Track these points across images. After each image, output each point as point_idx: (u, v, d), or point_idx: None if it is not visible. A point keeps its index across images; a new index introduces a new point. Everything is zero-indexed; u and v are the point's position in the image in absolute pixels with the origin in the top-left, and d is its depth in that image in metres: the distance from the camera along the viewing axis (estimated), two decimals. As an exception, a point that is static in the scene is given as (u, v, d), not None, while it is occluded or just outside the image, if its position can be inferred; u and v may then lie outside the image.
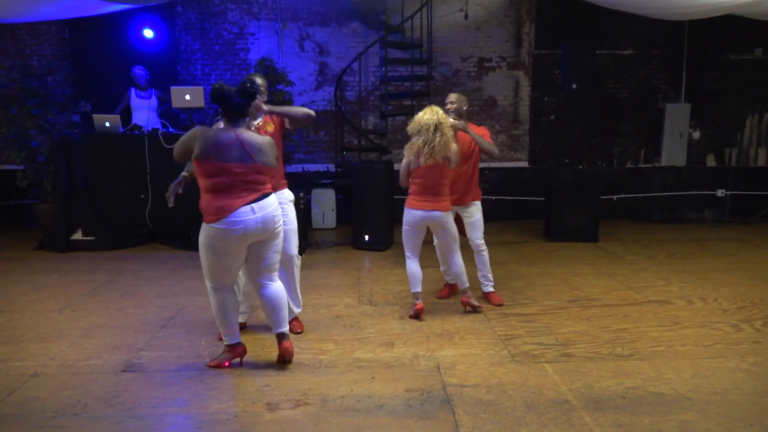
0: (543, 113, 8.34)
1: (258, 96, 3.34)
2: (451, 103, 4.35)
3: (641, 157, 8.46)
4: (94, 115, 6.43)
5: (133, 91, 7.10)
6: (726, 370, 3.28)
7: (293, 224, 3.76)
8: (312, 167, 8.19)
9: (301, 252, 6.11)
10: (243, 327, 3.89)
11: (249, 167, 3.08)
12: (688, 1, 5.48)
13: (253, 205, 3.09)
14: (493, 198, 8.36)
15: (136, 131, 6.58)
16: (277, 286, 3.34)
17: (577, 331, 3.90)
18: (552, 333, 3.88)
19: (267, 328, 3.96)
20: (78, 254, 6.26)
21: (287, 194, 3.78)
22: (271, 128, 3.70)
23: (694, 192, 8.39)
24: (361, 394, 3.01)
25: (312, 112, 3.74)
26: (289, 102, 7.03)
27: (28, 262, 5.94)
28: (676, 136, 8.18)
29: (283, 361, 3.37)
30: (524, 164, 8.40)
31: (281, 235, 3.33)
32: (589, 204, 6.86)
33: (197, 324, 4.03)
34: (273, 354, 3.52)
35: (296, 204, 6.05)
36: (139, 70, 7.05)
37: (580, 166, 8.41)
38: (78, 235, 6.44)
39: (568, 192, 7.02)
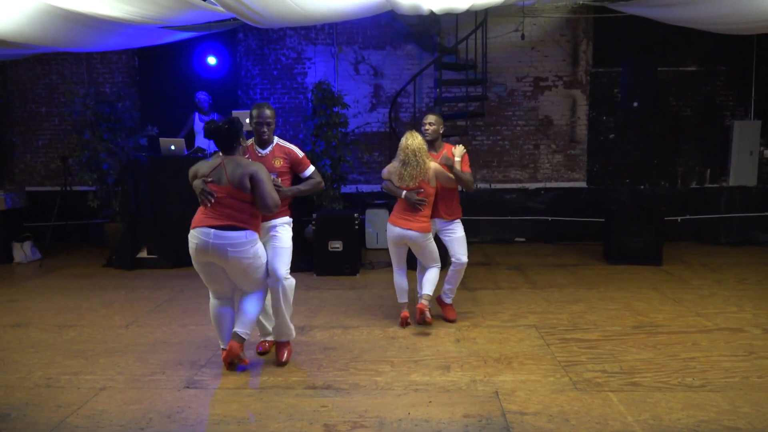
0: (601, 132, 8.14)
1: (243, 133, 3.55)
2: (430, 124, 4.38)
3: (707, 177, 8.11)
4: (160, 139, 6.73)
5: (196, 115, 7.41)
6: (809, 406, 3.06)
7: (286, 243, 3.69)
8: (366, 188, 8.27)
9: (355, 272, 6.22)
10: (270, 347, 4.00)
11: (224, 189, 3.39)
12: (756, 14, 5.25)
13: (214, 231, 3.36)
14: (549, 219, 8.20)
15: (200, 154, 6.83)
16: (246, 299, 3.60)
17: (642, 359, 3.74)
18: (616, 360, 3.72)
19: (323, 350, 3.99)
20: (143, 272, 6.52)
21: (285, 218, 3.78)
22: (279, 163, 3.73)
23: (766, 213, 7.95)
24: (419, 418, 2.97)
25: (321, 184, 3.96)
26: (344, 124, 7.16)
27: (97, 279, 6.24)
28: (746, 155, 7.81)
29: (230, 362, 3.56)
30: (582, 184, 8.20)
31: (246, 268, 3.45)
32: (652, 225, 6.60)
33: (256, 342, 4.09)
34: (329, 375, 3.54)
35: (350, 224, 6.16)
36: (202, 95, 7.36)
37: (642, 187, 8.13)
38: (143, 254, 6.71)
39: (629, 213, 6.78)
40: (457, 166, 4.28)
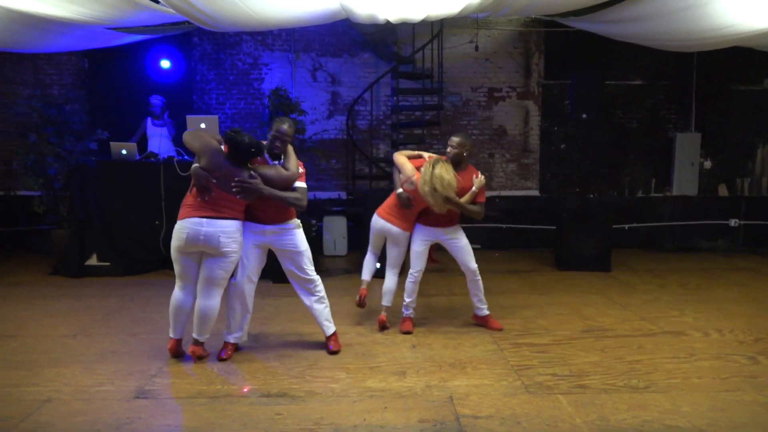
0: (553, 142, 8.40)
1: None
2: (452, 147, 4.38)
3: (652, 187, 8.46)
4: (111, 143, 6.54)
5: (149, 119, 7.24)
6: (743, 404, 3.23)
7: (302, 246, 4.01)
8: (323, 195, 8.25)
9: (311, 279, 6.17)
10: (236, 350, 4.04)
11: (227, 195, 3.61)
12: (695, 33, 5.54)
13: (207, 219, 3.57)
14: (504, 226, 8.37)
15: (152, 159, 6.67)
16: (209, 304, 3.71)
17: (590, 362, 3.87)
18: (566, 364, 3.84)
19: (278, 357, 3.96)
20: (91, 280, 6.30)
21: (294, 221, 4.04)
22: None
23: (706, 221, 8.36)
24: (374, 424, 2.98)
25: (304, 203, 3.92)
26: (301, 131, 7.14)
27: (43, 287, 5.98)
28: (687, 166, 8.20)
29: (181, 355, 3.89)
30: (535, 192, 8.42)
31: (229, 257, 3.67)
32: (601, 233, 6.84)
33: (209, 350, 4.02)
34: (284, 383, 3.52)
35: (307, 231, 6.12)
36: (155, 99, 7.19)
37: (591, 195, 8.41)
38: (92, 261, 6.49)
39: (579, 221, 7.01)
40: (469, 197, 4.36)
